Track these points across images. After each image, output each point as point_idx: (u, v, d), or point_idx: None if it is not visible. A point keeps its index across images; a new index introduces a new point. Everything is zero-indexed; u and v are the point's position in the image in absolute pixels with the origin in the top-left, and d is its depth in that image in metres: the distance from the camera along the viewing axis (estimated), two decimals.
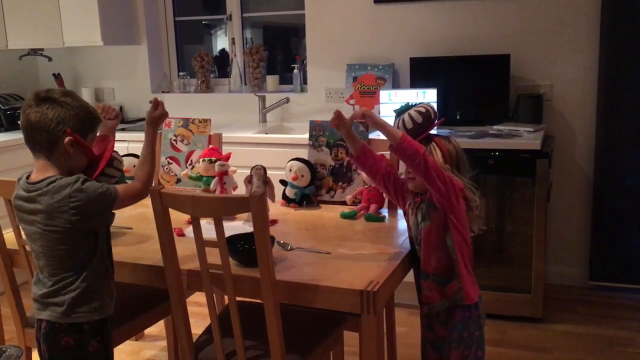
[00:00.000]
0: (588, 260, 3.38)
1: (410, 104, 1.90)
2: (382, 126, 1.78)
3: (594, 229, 3.33)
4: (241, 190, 2.35)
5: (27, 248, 1.85)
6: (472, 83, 3.45)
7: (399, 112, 1.89)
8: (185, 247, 1.83)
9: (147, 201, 1.78)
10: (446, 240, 1.81)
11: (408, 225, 1.95)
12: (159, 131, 2.81)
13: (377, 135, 3.21)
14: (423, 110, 1.86)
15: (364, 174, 2.32)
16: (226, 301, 1.88)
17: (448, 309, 1.85)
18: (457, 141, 1.91)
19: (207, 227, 1.72)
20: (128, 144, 3.61)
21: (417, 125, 1.85)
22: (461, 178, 1.83)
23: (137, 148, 2.98)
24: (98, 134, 1.82)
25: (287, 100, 3.91)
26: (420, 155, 1.72)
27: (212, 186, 2.35)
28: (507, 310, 3.05)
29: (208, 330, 1.93)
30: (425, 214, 1.84)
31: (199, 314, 2.57)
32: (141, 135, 3.61)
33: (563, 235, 3.47)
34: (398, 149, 1.74)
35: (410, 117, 1.86)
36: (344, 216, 2.27)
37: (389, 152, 2.44)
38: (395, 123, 1.89)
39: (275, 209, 2.38)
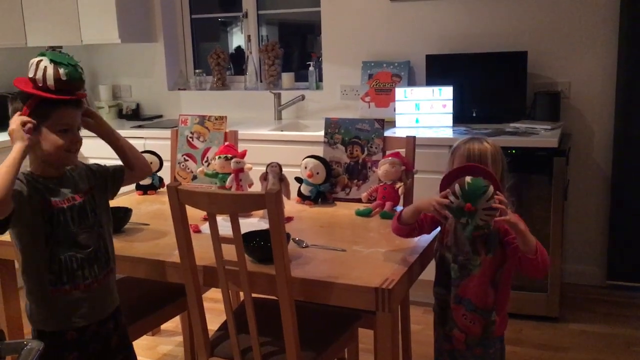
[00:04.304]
0: (605, 259, 3.35)
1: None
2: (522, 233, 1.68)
3: (611, 227, 3.29)
4: (257, 188, 2.36)
5: None
6: (489, 80, 3.43)
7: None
8: (201, 244, 1.84)
9: (164, 198, 1.79)
10: (499, 274, 1.77)
11: (444, 243, 1.85)
12: (174, 128, 2.84)
13: (392, 132, 3.22)
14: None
15: (379, 172, 2.32)
16: (242, 297, 1.89)
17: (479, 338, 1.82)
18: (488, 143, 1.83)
19: (223, 224, 1.73)
20: (145, 141, 3.64)
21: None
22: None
23: (154, 145, 3.02)
24: None
25: (303, 97, 3.92)
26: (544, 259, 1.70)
27: (227, 183, 2.36)
28: (523, 309, 3.03)
29: (224, 326, 1.94)
30: (492, 247, 1.75)
31: (214, 310, 2.58)
32: (158, 132, 3.66)
33: (580, 234, 3.44)
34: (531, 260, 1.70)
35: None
36: (359, 214, 2.26)
37: (404, 150, 2.45)
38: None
39: (291, 206, 2.38)
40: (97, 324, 1.76)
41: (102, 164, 1.87)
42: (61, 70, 1.65)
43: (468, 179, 1.65)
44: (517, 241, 1.70)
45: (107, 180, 1.84)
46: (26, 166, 1.69)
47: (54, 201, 1.67)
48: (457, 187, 1.65)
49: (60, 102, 1.66)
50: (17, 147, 1.59)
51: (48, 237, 1.67)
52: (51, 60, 1.66)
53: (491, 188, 1.64)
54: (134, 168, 1.89)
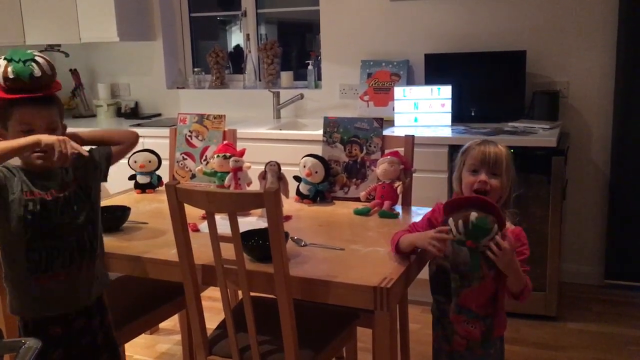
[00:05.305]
0: (603, 259, 3.36)
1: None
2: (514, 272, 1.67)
3: (609, 227, 3.30)
4: (255, 186, 2.36)
5: None
6: (488, 79, 3.43)
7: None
8: (199, 242, 1.84)
9: (163, 196, 1.79)
10: (500, 284, 1.74)
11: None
12: (173, 127, 2.84)
13: (390, 131, 3.22)
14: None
15: (378, 171, 2.32)
16: (240, 296, 1.90)
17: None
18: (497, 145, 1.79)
19: (222, 223, 1.73)
20: (143, 139, 3.62)
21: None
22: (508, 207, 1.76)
23: (153, 144, 3.01)
24: None
25: (302, 96, 3.92)
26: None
27: (226, 182, 2.36)
28: (521, 308, 3.01)
29: (222, 324, 1.94)
30: (494, 263, 1.67)
31: (213, 309, 2.58)
32: (156, 131, 3.66)
33: (578, 233, 3.44)
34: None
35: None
36: (358, 212, 2.27)
37: (403, 149, 2.45)
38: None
39: (289, 205, 2.38)
40: (84, 318, 1.77)
41: (90, 148, 1.86)
42: (9, 68, 1.63)
43: (473, 217, 1.58)
44: (507, 275, 1.68)
45: (95, 165, 1.84)
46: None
47: (37, 193, 1.68)
48: (460, 223, 1.59)
49: (17, 101, 1.63)
50: (28, 139, 1.59)
51: (27, 227, 1.67)
52: (5, 58, 1.65)
53: (495, 227, 1.59)
54: (121, 143, 1.92)
